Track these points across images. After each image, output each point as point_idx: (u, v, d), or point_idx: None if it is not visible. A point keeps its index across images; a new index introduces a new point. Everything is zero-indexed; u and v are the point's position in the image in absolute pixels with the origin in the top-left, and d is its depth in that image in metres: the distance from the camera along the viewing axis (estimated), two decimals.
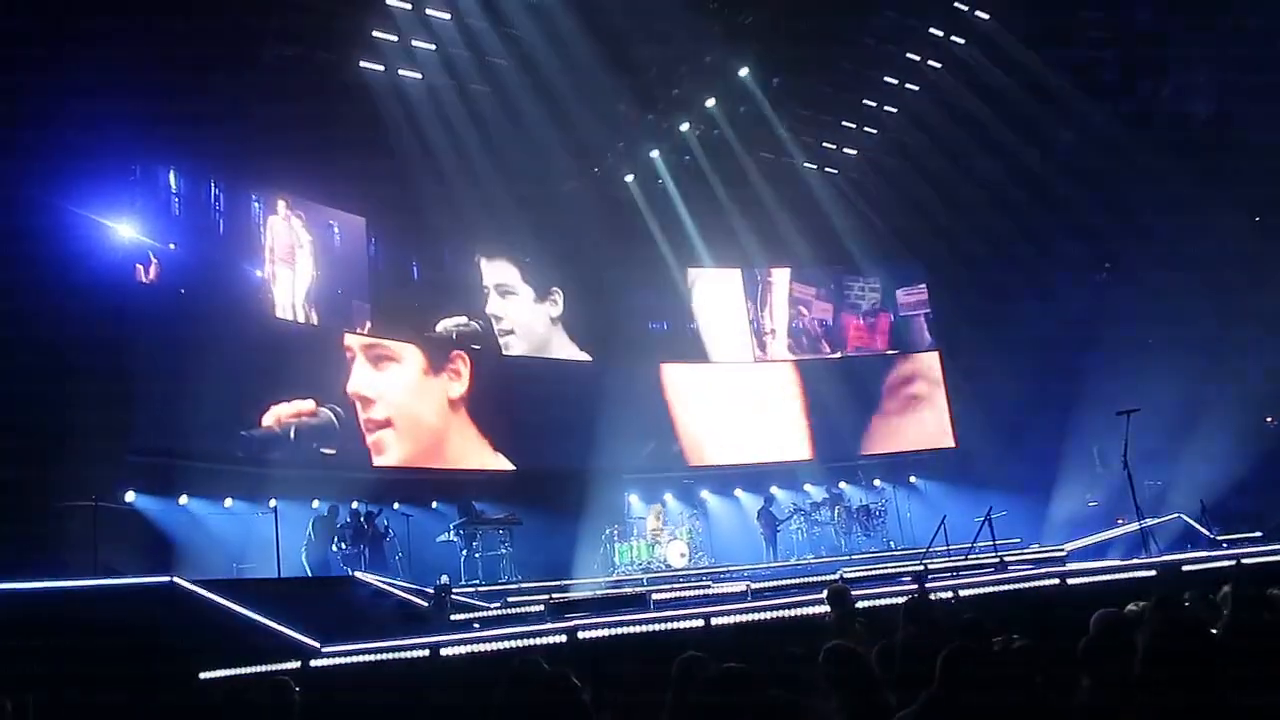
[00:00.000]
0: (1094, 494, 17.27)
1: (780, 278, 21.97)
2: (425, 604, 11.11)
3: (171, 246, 14.35)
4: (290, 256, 16.09)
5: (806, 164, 20.51)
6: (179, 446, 13.61)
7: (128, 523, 12.51)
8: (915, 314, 22.32)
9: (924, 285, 22.24)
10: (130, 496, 12.91)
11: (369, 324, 16.95)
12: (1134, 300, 18.20)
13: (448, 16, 15.72)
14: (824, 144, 20.93)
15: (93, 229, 12.89)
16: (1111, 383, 15.69)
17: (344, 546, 14.57)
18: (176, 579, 8.79)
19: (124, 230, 13.45)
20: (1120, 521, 14.22)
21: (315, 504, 14.95)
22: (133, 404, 12.89)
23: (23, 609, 7.58)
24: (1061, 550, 13.50)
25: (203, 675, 7.47)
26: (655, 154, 19.86)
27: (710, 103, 18.63)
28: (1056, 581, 9.45)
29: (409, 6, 15.48)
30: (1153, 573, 9.21)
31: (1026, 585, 9.38)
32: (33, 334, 10.51)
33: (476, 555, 15.65)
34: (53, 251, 11.61)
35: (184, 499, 13.63)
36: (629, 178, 20.18)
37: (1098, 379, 16.41)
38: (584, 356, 19.69)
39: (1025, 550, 14.88)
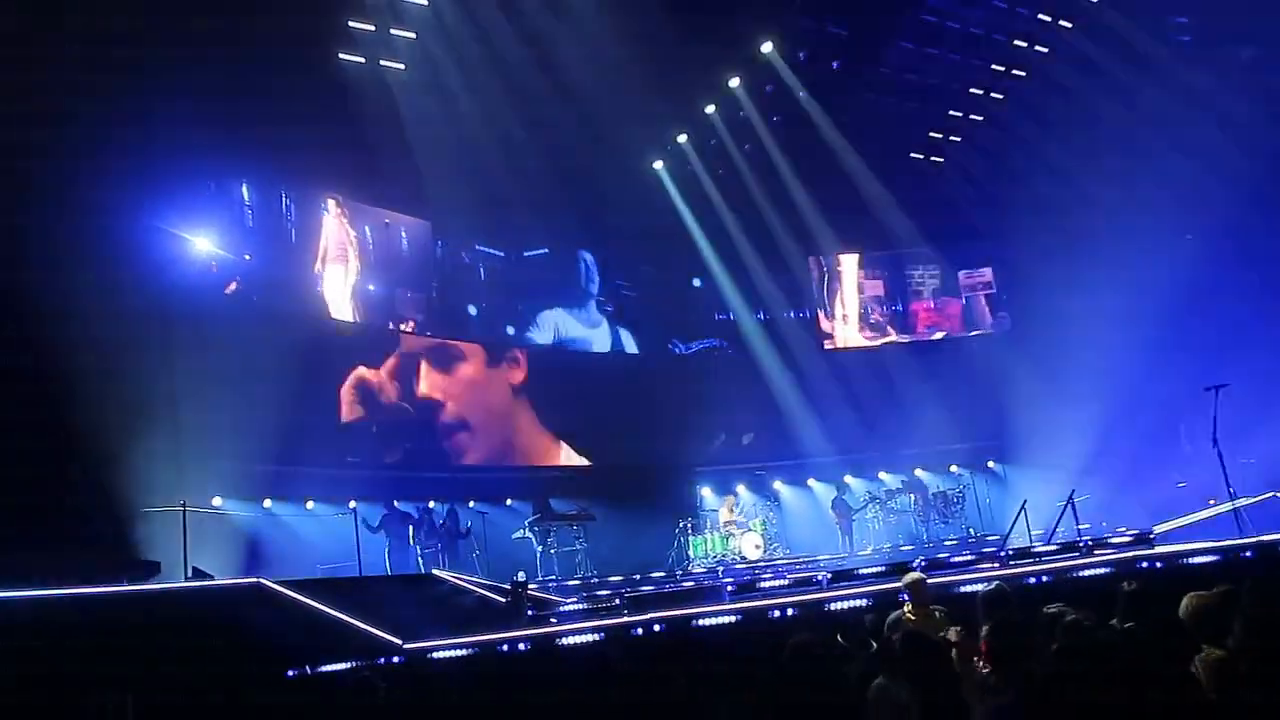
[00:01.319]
0: (1182, 474, 16.67)
1: (849, 264, 21.74)
2: (503, 600, 11.22)
3: (247, 257, 14.76)
4: (358, 261, 16.41)
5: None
6: (262, 451, 13.98)
7: (215, 526, 12.90)
8: (982, 295, 21.89)
9: (988, 268, 21.80)
10: (217, 500, 13.31)
11: (435, 325, 17.21)
12: (1220, 269, 17.49)
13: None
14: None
15: (173, 243, 13.33)
16: (1198, 357, 15.12)
17: (424, 545, 14.83)
18: (263, 580, 9.02)
19: (201, 243, 13.87)
20: (1211, 502, 13.70)
21: (395, 504, 15.23)
22: (217, 411, 13.28)
23: (119, 611, 7.84)
24: (1149, 533, 13.06)
25: (290, 673, 7.65)
26: (684, 139, 19.77)
27: (768, 88, 18.49)
28: (1145, 565, 9.17)
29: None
30: (1249, 554, 8.85)
31: (1112, 570, 9.12)
32: (120, 345, 10.89)
33: (551, 551, 15.78)
34: (137, 265, 12.04)
35: (267, 502, 14.02)
36: (658, 164, 20.09)
37: (1183, 353, 15.82)
38: (646, 350, 19.73)
39: (1110, 535, 14.45)
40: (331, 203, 16.37)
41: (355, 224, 16.58)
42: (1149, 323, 17.36)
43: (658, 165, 19.92)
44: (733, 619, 8.42)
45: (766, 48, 17.60)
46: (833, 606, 8.49)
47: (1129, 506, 16.80)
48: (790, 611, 8.47)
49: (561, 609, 11.12)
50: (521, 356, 18.21)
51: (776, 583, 11.04)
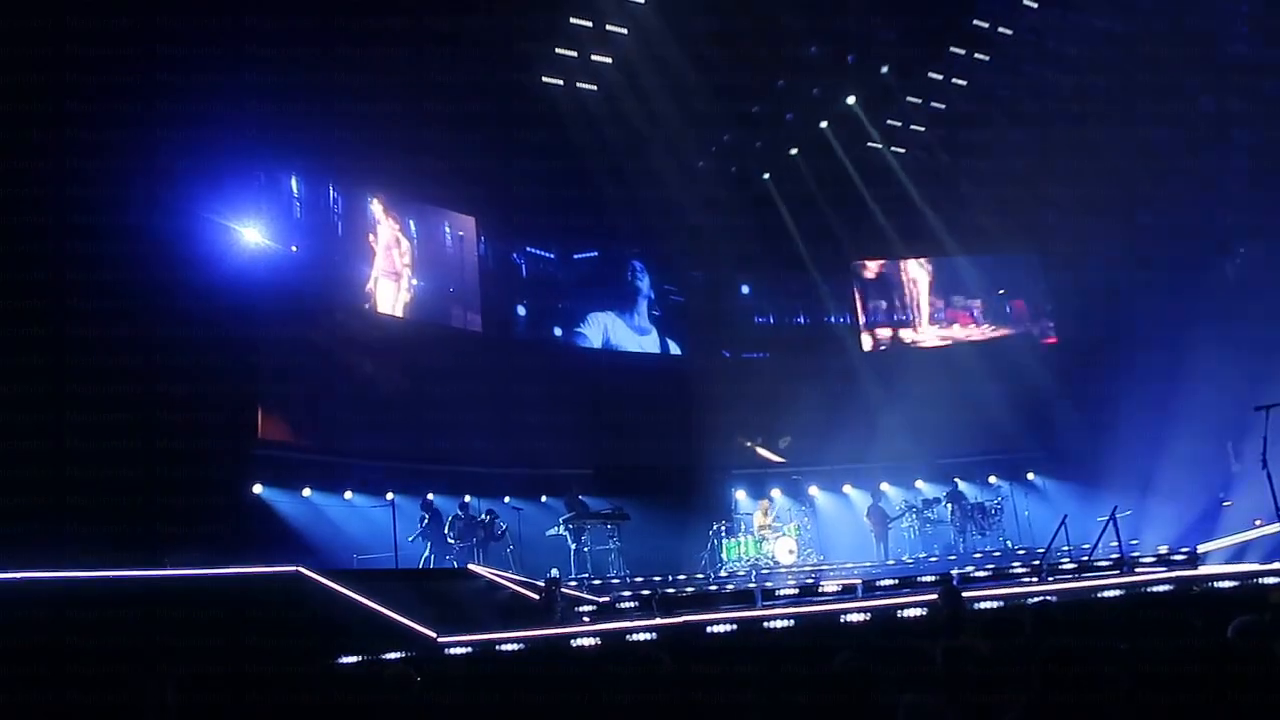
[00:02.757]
0: (1228, 494, 16.34)
1: (905, 269, 21.69)
2: (537, 597, 11.28)
3: (294, 249, 14.96)
4: (403, 256, 16.58)
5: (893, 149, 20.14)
6: (301, 440, 14.19)
7: (255, 513, 13.12)
8: (1028, 304, 21.66)
9: (1036, 275, 21.59)
10: (258, 489, 13.51)
11: (479, 320, 17.34)
12: (1271, 285, 17.12)
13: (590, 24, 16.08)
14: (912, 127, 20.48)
15: (222, 233, 13.54)
16: (1247, 375, 14.79)
17: (461, 540, 14.93)
18: (302, 569, 9.15)
19: (250, 234, 14.08)
20: (1258, 523, 13.42)
21: (430, 496, 15.34)
22: (259, 400, 13.50)
23: (162, 595, 8.00)
24: (1192, 552, 12.82)
25: (327, 661, 7.76)
26: (794, 151, 19.95)
27: (851, 99, 18.64)
28: (1187, 585, 9.01)
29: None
30: None
31: (1153, 589, 8.98)
32: (168, 333, 11.08)
33: (585, 549, 15.80)
34: (185, 254, 12.24)
35: (307, 491, 14.21)
36: (765, 176, 20.28)
37: (1232, 371, 15.49)
38: (690, 353, 19.77)
39: (1153, 553, 14.21)
40: (376, 201, 16.53)
41: (401, 219, 16.75)
42: (1198, 334, 17.03)
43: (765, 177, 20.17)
44: (790, 623, 8.38)
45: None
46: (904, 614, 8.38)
47: (1170, 524, 16.51)
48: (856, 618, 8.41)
49: (595, 607, 11.17)
50: (564, 354, 18.30)
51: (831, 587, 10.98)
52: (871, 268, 21.59)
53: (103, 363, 10.23)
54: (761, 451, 20.26)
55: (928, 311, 21.70)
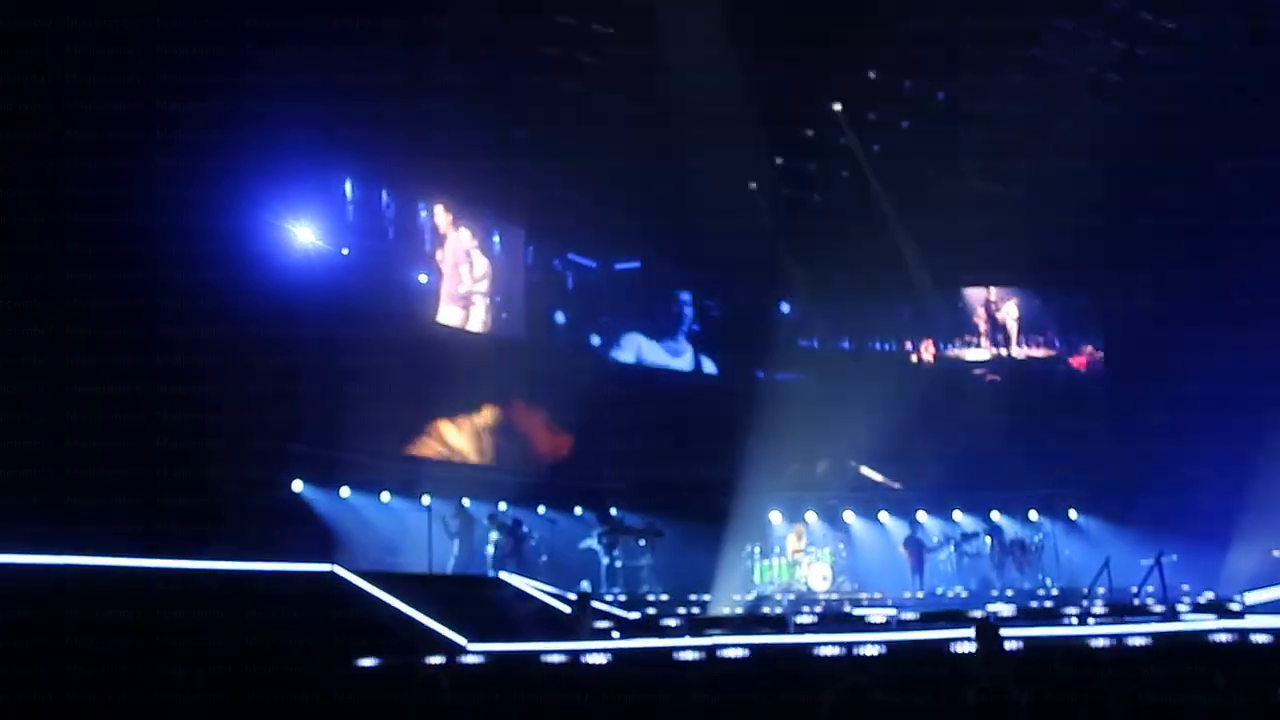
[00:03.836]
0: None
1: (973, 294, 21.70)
2: (567, 610, 11.26)
3: (344, 251, 15.14)
4: (455, 263, 16.71)
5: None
6: (343, 440, 14.32)
7: (294, 510, 13.26)
8: (1076, 336, 21.37)
9: (1084, 305, 21.34)
10: (297, 486, 13.66)
11: (524, 330, 17.43)
12: None
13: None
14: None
15: (275, 232, 13.75)
16: None
17: (491, 548, 14.97)
18: (336, 568, 9.20)
19: (302, 234, 14.28)
20: None
21: (465, 502, 15.39)
22: (302, 399, 13.64)
23: (197, 587, 8.10)
24: (1240, 602, 12.48)
25: (357, 662, 7.79)
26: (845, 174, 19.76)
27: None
28: (1233, 636, 8.74)
29: None
30: None
31: (1199, 638, 8.72)
32: (218, 331, 11.24)
33: (617, 564, 15.75)
34: (239, 253, 12.41)
35: (345, 491, 14.33)
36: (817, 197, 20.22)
37: None
38: (727, 372, 19.70)
39: (1198, 600, 13.84)
40: (444, 209, 16.66)
41: (474, 232, 16.96)
42: (1256, 372, 16.58)
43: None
44: (820, 650, 8.28)
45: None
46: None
47: (1219, 572, 16.10)
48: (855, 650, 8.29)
49: (625, 624, 11.12)
50: (603, 366, 18.33)
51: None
52: (952, 294, 21.45)
53: (151, 360, 10.41)
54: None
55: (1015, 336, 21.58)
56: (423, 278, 16.26)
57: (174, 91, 10.78)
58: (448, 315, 16.50)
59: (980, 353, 21.60)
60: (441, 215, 16.67)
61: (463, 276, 16.83)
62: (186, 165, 11.05)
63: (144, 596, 7.38)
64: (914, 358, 21.46)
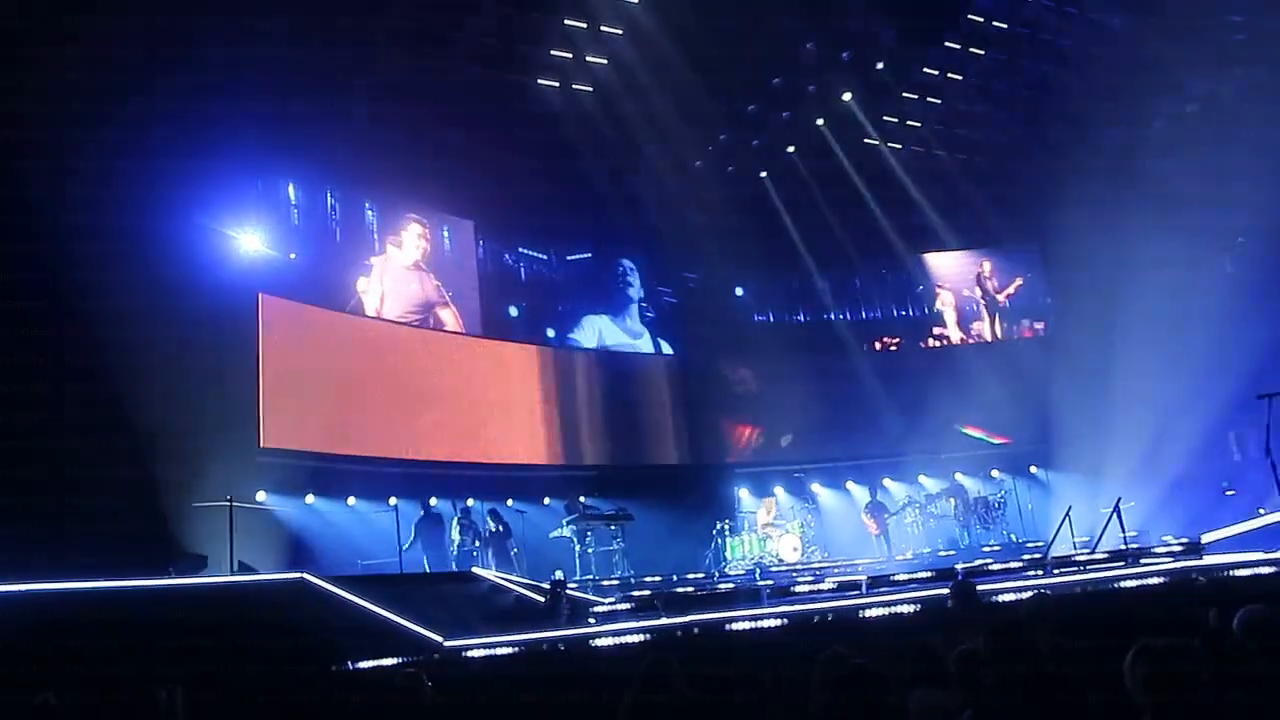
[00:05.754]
0: (1231, 483, 16.35)
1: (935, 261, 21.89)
2: (541, 599, 11.28)
3: (292, 256, 14.95)
4: (402, 260, 16.56)
5: (910, 147, 20.10)
6: (303, 447, 14.18)
7: (259, 521, 13.10)
8: (1027, 296, 21.73)
9: (1031, 267, 21.67)
10: (261, 495, 13.50)
11: (476, 324, 17.34)
12: (1271, 276, 17.12)
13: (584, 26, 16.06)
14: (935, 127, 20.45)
15: (219, 240, 13.54)
16: (1250, 364, 14.79)
17: (462, 544, 14.93)
18: (306, 575, 9.14)
19: (248, 241, 14.07)
20: (1262, 512, 13.43)
21: (433, 501, 15.33)
22: (260, 408, 13.49)
23: (168, 604, 8.00)
24: (1195, 542, 12.82)
25: (334, 668, 7.75)
26: (791, 149, 19.96)
27: (847, 97, 18.63)
28: (1191, 575, 9.01)
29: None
30: None
31: (1159, 580, 8.97)
32: (166, 341, 11.07)
33: (589, 551, 15.80)
34: (183, 261, 12.22)
35: (310, 498, 14.20)
36: (763, 174, 20.24)
37: (1234, 359, 15.49)
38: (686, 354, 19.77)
39: (1157, 543, 14.20)
40: (392, 209, 16.50)
41: (422, 229, 16.80)
42: (1200, 326, 17.03)
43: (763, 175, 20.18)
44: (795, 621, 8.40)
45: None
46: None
47: (1173, 514, 16.51)
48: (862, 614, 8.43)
49: (600, 609, 11.16)
50: (562, 356, 18.30)
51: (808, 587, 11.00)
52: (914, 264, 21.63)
53: (101, 370, 10.23)
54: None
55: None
56: (367, 279, 16.07)
57: (107, 93, 10.56)
58: (395, 314, 16.34)
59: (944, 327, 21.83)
60: (388, 214, 16.50)
61: (411, 273, 16.69)
62: (122, 171, 10.85)
63: (110, 615, 7.27)
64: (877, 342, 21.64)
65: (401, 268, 16.53)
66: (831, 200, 19.84)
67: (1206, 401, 16.11)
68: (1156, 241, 18.26)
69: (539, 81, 16.71)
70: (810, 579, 12.63)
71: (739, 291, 21.06)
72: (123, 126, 10.97)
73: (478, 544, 15.11)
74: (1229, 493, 16.19)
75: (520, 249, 18.80)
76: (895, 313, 21.75)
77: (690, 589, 14.24)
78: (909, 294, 21.80)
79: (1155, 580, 8.96)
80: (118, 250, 10.70)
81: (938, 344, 21.56)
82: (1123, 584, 8.82)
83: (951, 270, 22.01)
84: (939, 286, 21.86)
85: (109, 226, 10.63)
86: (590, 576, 15.15)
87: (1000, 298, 21.84)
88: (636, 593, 12.91)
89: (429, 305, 16.81)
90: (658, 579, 14.87)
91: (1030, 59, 18.52)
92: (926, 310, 21.78)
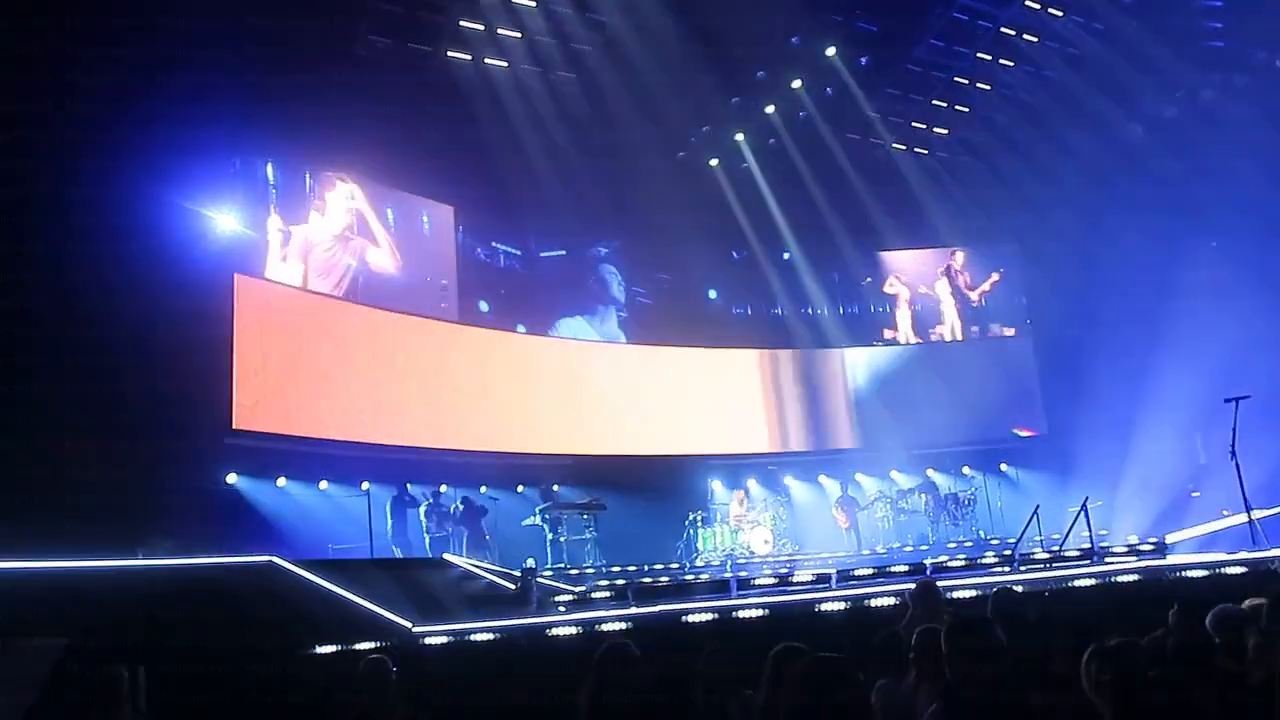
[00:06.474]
0: (1197, 485, 16.59)
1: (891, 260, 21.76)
2: (512, 586, 11.28)
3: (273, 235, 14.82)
4: (380, 244, 16.44)
5: (895, 144, 20.09)
6: (276, 430, 14.08)
7: (229, 503, 13.02)
8: (1000, 295, 21.82)
9: (1006, 267, 21.75)
10: (231, 478, 13.42)
11: (456, 310, 17.26)
12: (1241, 279, 17.35)
13: (533, 4, 15.90)
14: (913, 124, 20.45)
15: (195, 220, 13.39)
16: (1218, 367, 15.00)
17: (435, 530, 14.90)
18: (275, 558, 9.08)
19: (225, 221, 13.93)
20: (1225, 513, 13.64)
21: (408, 486, 15.27)
22: (233, 390, 13.38)
23: (133, 585, 7.93)
24: (1160, 542, 13.00)
25: (301, 652, 7.72)
26: (740, 137, 19.68)
27: (796, 84, 18.40)
28: (1156, 575, 9.13)
29: None
30: (1276, 566, 8.79)
31: (1124, 579, 9.09)
32: (140, 321, 10.96)
33: (561, 539, 15.81)
34: (158, 242, 12.08)
35: (281, 481, 14.12)
36: (714, 162, 20.02)
37: (1202, 364, 15.69)
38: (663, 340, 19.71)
39: (1123, 543, 14.38)
40: (365, 191, 16.22)
41: (400, 213, 16.61)
42: (1169, 329, 17.25)
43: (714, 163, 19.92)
44: (765, 612, 8.45)
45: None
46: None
47: (1140, 515, 16.75)
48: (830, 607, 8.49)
49: (570, 597, 11.18)
50: (538, 344, 18.26)
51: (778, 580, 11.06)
52: (874, 262, 21.46)
53: (71, 349, 10.11)
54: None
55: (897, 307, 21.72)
56: (352, 261, 15.94)
57: (78, 70, 10.40)
58: (379, 299, 16.21)
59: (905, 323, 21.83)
60: (366, 197, 16.35)
61: (389, 258, 16.57)
62: (102, 150, 10.72)
63: (79, 599, 7.20)
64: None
65: (378, 251, 16.39)
66: (807, 195, 19.74)
67: (1175, 403, 16.32)
68: (1129, 243, 18.49)
69: (480, 60, 16.54)
70: (774, 572, 12.69)
71: (712, 294, 20.95)
72: (92, 101, 10.81)
73: (450, 530, 15.08)
74: (1194, 494, 16.42)
75: (492, 242, 18.69)
76: (850, 310, 21.54)
77: (661, 579, 14.30)
78: (861, 291, 21.57)
79: (1120, 579, 9.09)
80: (89, 227, 10.58)
81: (885, 345, 21.48)
82: (1087, 582, 8.91)
83: (911, 269, 21.88)
84: (892, 281, 21.69)
85: (81, 203, 10.50)
86: (562, 565, 15.17)
87: (974, 295, 21.80)
88: (607, 582, 12.95)
89: (409, 288, 16.70)
90: (630, 568, 14.92)
91: (1016, 60, 18.63)
92: (879, 309, 21.58)
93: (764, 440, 19.98)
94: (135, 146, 11.55)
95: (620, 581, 12.78)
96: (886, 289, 21.51)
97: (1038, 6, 17.52)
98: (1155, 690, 3.33)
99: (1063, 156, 18.98)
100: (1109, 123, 18.15)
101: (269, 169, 15.12)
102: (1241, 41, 17.13)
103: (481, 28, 16.04)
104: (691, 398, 19.08)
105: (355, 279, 15.89)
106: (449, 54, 16.23)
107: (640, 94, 16.30)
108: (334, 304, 15.47)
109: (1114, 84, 17.53)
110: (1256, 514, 10.79)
